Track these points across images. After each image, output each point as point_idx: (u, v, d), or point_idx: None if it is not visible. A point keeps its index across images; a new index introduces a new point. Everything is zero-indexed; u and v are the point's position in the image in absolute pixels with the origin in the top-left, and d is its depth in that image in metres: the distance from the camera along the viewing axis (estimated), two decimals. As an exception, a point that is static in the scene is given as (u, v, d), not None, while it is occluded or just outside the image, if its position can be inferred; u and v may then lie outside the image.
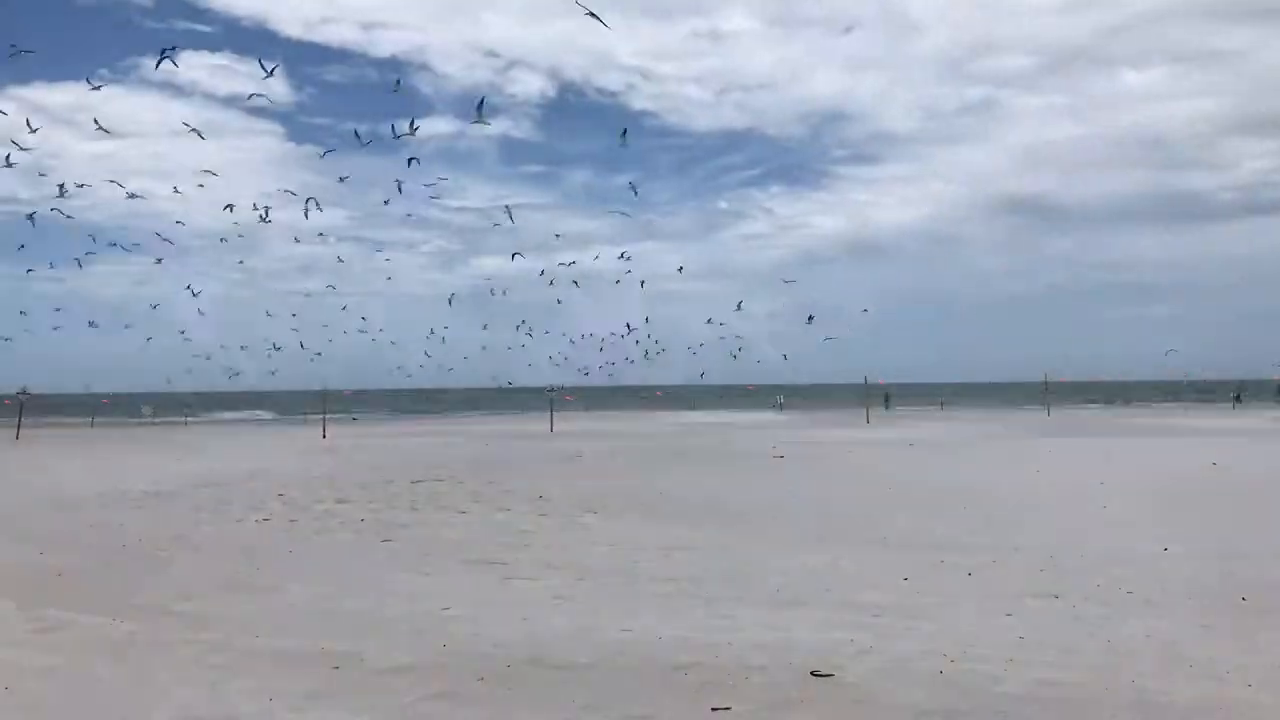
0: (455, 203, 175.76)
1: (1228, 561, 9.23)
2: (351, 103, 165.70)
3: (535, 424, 42.84)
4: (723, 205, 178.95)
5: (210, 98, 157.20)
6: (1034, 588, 8.25)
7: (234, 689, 5.79)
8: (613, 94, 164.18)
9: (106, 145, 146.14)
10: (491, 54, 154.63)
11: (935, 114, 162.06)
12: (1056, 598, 7.87)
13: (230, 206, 28.73)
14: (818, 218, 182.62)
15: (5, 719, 5.42)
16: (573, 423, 44.01)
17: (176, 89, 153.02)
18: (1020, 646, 6.43)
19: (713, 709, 5.35)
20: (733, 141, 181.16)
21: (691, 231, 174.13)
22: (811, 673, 5.94)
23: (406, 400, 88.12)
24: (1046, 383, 51.86)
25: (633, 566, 9.57)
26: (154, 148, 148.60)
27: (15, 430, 36.83)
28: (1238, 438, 27.23)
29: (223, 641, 6.86)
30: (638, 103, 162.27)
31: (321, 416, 41.74)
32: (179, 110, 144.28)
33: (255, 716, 5.35)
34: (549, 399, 44.31)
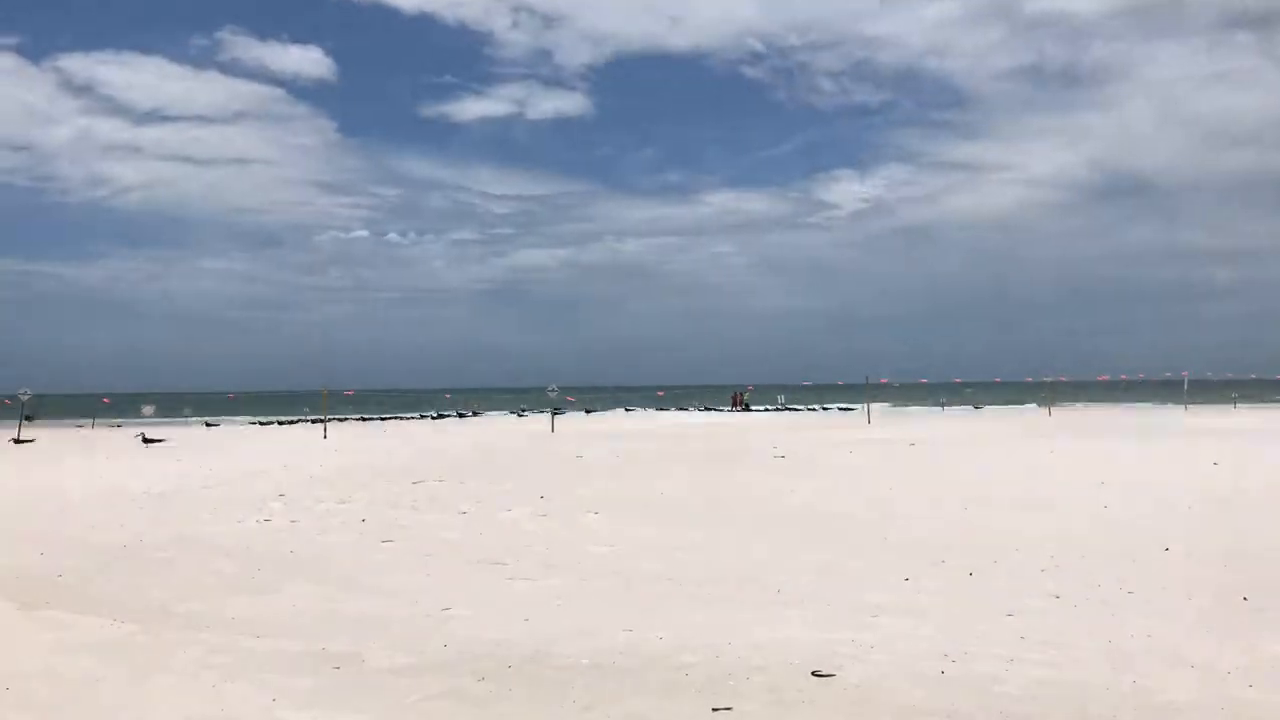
0: (499, 191, 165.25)
1: (1228, 561, 9.23)
2: (394, 76, 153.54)
3: (536, 424, 42.84)
4: (786, 187, 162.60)
5: (246, 75, 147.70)
6: (1034, 588, 8.24)
7: (234, 689, 5.79)
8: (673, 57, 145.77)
9: (144, 133, 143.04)
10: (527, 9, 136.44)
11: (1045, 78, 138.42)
12: (1056, 598, 7.87)
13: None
14: (893, 202, 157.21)
15: (5, 719, 5.42)
16: (573, 423, 44.02)
17: (215, 64, 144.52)
18: (1020, 646, 6.43)
19: (714, 709, 5.35)
20: (797, 112, 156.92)
21: (755, 219, 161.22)
22: (812, 673, 5.94)
23: (408, 400, 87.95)
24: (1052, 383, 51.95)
25: (633, 567, 9.57)
26: (190, 132, 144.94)
27: (16, 430, 36.84)
28: (1239, 437, 27.22)
29: (223, 642, 6.86)
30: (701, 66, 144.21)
31: (323, 416, 41.80)
32: (214, 89, 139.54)
33: (256, 716, 5.35)
34: (550, 399, 44.31)
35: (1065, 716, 5.16)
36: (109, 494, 16.19)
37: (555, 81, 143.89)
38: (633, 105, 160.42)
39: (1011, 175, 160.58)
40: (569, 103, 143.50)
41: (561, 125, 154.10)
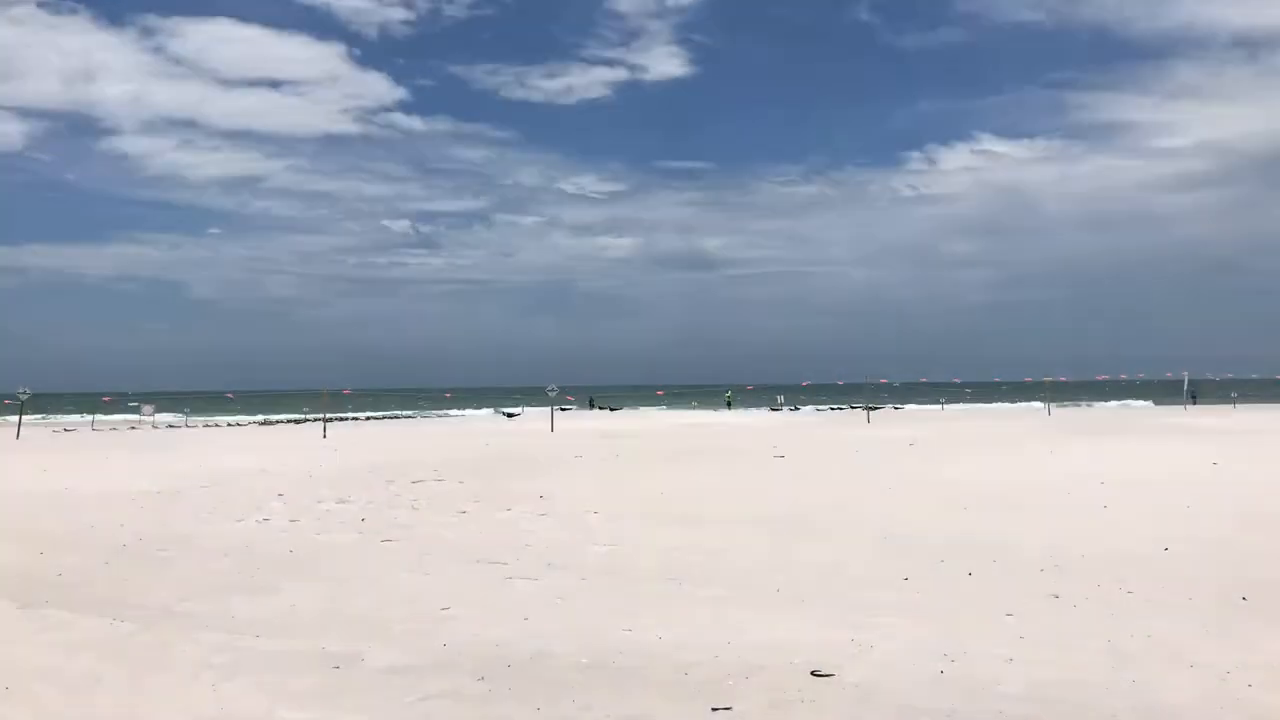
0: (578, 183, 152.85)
1: (1228, 561, 9.23)
2: (467, 48, 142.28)
3: (536, 424, 42.83)
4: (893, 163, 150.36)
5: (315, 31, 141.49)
6: (1034, 588, 8.24)
7: (234, 689, 5.79)
8: None
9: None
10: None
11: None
12: (1056, 598, 7.86)
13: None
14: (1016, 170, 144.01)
15: (5, 719, 5.42)
16: (573, 422, 44.01)
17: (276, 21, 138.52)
18: (1020, 646, 6.43)
19: (713, 709, 5.35)
20: (945, 59, 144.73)
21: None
22: (812, 673, 5.94)
23: (409, 399, 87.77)
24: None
25: (633, 566, 9.57)
26: (245, 100, 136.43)
27: (16, 429, 36.84)
28: (1238, 437, 27.21)
29: (223, 641, 6.86)
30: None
31: (322, 416, 41.81)
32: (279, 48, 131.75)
33: (255, 716, 5.35)
34: (549, 399, 44.30)
35: (1065, 716, 5.16)
36: (109, 494, 16.19)
37: (665, 41, 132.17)
38: (731, 75, 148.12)
39: (1171, 141, 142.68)
40: (669, 67, 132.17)
41: (649, 100, 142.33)
